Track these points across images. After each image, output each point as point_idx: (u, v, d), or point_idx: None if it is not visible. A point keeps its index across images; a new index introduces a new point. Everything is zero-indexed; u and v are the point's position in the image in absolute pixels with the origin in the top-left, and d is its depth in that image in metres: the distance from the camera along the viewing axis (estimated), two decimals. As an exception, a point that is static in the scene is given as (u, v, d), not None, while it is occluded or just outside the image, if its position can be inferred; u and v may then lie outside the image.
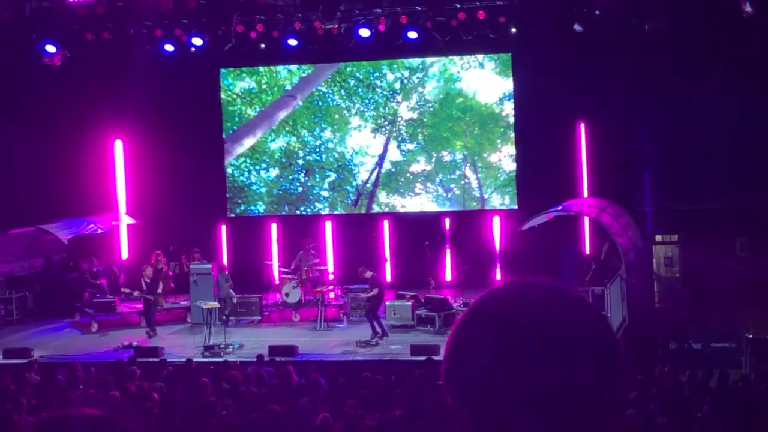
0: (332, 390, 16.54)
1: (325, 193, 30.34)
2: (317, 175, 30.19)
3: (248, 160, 30.53)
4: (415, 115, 29.48)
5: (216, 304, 23.52)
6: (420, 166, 29.57)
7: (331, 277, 27.01)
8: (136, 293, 25.02)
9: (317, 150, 30.06)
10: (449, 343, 2.09)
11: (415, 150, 29.57)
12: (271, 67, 29.98)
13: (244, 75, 30.14)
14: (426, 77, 29.32)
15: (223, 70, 30.08)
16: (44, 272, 28.61)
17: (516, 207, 28.79)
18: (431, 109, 29.40)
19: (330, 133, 29.97)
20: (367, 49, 27.27)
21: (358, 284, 24.90)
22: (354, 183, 30.04)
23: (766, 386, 16.68)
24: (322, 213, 30.19)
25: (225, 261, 28.66)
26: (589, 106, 26.99)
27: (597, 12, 23.51)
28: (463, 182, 29.33)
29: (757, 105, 24.55)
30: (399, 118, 29.55)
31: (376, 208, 29.83)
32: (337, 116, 29.83)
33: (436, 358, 19.31)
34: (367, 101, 29.71)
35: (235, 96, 30.29)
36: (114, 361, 19.77)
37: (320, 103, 29.96)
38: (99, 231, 27.71)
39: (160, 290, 24.65)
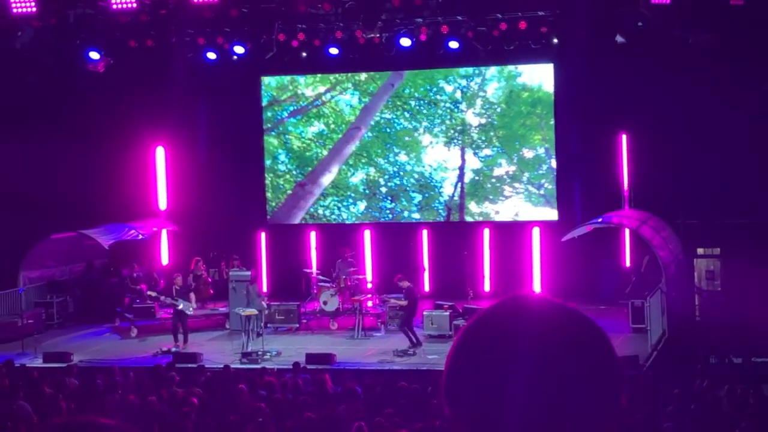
0: (369, 399, 16.53)
1: (416, 215, 30.17)
2: (403, 199, 30.04)
3: (335, 199, 30.48)
4: (483, 120, 29.31)
5: (254, 311, 23.56)
6: (503, 168, 29.32)
7: (369, 285, 27.02)
8: (163, 298, 25.00)
9: (397, 174, 29.98)
10: (449, 356, 2.09)
11: (493, 154, 29.38)
12: (336, 107, 30.01)
13: (312, 119, 30.18)
14: (485, 80, 29.20)
15: (292, 120, 30.19)
16: (85, 277, 28.83)
17: (556, 218, 28.67)
18: (499, 110, 29.19)
19: (405, 156, 29.87)
20: (409, 59, 27.28)
21: (395, 293, 24.91)
22: (441, 199, 29.79)
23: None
24: (359, 222, 30.19)
25: (264, 269, 28.80)
26: (632, 117, 26.87)
27: (639, 23, 23.38)
28: (553, 175, 29.20)
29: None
30: (468, 126, 29.40)
31: (469, 219, 29.63)
32: (407, 138, 29.75)
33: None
34: (432, 117, 29.63)
35: (308, 141, 30.29)
36: (152, 366, 19.86)
37: (388, 130, 29.93)
38: (140, 237, 27.87)
39: (191, 300, 24.46)
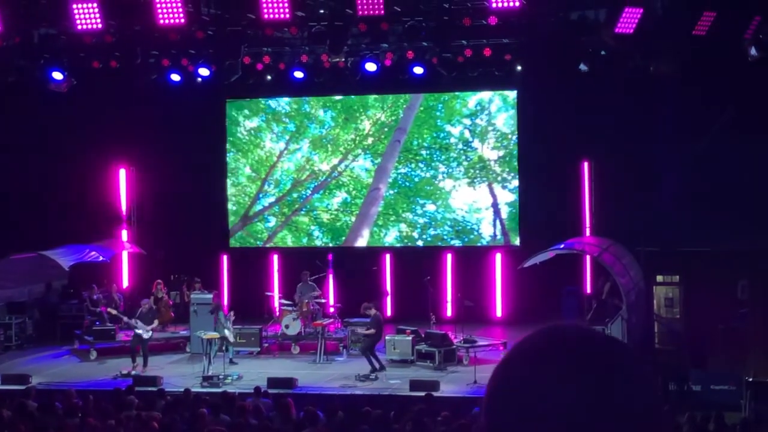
0: (331, 423, 16.48)
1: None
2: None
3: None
4: (501, 152, 29.33)
5: (216, 335, 23.46)
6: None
7: (331, 310, 27.00)
8: (125, 319, 24.78)
9: (430, 225, 29.90)
10: (492, 384, 2.11)
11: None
12: (352, 174, 30.02)
13: (333, 191, 30.15)
14: (491, 114, 29.29)
15: (316, 196, 30.18)
16: (44, 298, 28.62)
17: (518, 243, 28.80)
18: (514, 139, 29.29)
19: (432, 205, 29.78)
20: (373, 84, 27.36)
21: (358, 318, 24.90)
22: (484, 241, 29.66)
23: (765, 430, 16.61)
24: (321, 246, 30.19)
25: (225, 292, 28.72)
26: (594, 145, 27.12)
27: (603, 52, 23.58)
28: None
29: (761, 149, 24.57)
30: (488, 161, 29.36)
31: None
32: (429, 188, 29.68)
33: (435, 393, 19.27)
34: (447, 161, 29.60)
35: (335, 212, 30.24)
36: (112, 389, 19.69)
37: (407, 183, 29.89)
38: (101, 259, 27.70)
39: (151, 326, 24.26)
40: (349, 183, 30.15)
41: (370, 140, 29.97)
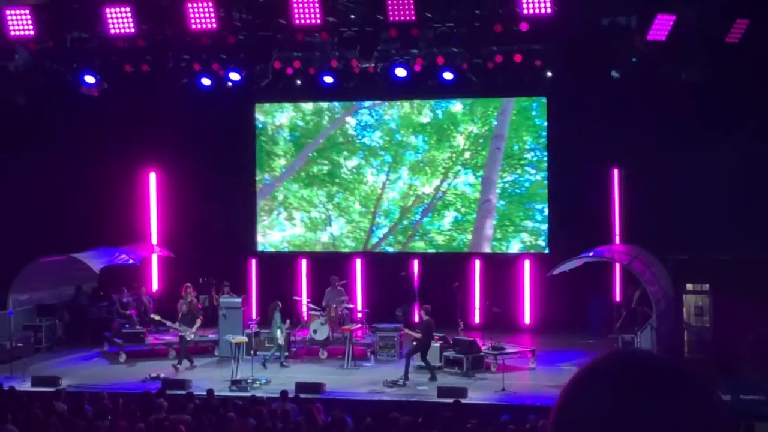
0: (359, 429, 16.49)
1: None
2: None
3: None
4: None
5: (244, 339, 23.56)
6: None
7: (359, 315, 27.01)
8: (168, 324, 25.17)
9: None
10: (561, 402, 2.13)
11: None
12: (456, 191, 29.76)
13: (442, 211, 29.91)
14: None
15: (426, 219, 30.02)
16: (74, 301, 28.76)
17: (547, 251, 28.74)
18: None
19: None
20: (403, 89, 27.35)
21: (386, 323, 24.90)
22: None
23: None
24: (351, 251, 30.23)
25: (254, 296, 28.83)
26: (624, 151, 27.03)
27: (634, 59, 23.49)
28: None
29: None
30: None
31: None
32: (542, 191, 29.37)
33: (463, 400, 19.24)
34: None
35: (449, 231, 29.99)
36: (142, 392, 19.77)
37: (518, 190, 29.60)
38: (131, 262, 27.83)
39: (194, 328, 24.64)
40: (456, 201, 29.85)
41: (467, 155, 29.72)
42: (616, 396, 2.06)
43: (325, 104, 30.45)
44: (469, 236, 29.80)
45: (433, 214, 30.12)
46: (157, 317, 25.69)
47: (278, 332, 24.14)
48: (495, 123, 29.55)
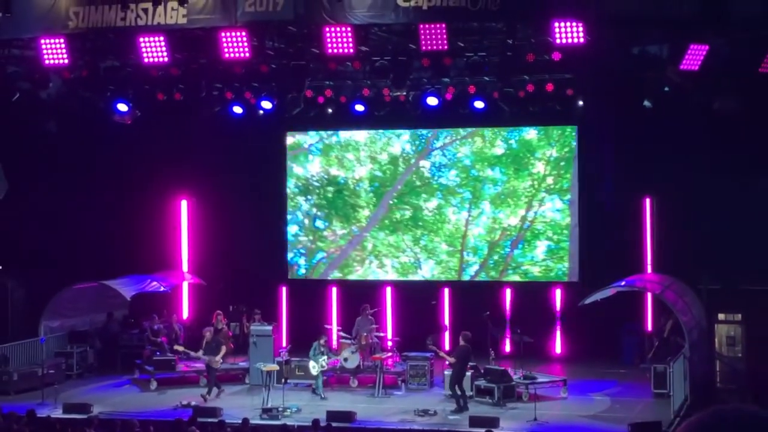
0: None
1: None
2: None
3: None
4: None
5: (275, 367, 23.58)
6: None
7: (389, 344, 26.97)
8: (193, 354, 25.20)
9: None
10: None
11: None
12: (548, 219, 29.41)
13: (532, 242, 29.64)
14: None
15: (517, 251, 29.79)
16: (105, 328, 28.88)
17: (577, 279, 28.63)
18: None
19: None
20: (434, 118, 27.39)
21: (417, 352, 24.85)
22: None
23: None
24: (382, 279, 30.23)
25: (284, 324, 28.86)
26: (656, 181, 26.94)
27: (666, 89, 23.45)
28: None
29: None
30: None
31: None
32: None
33: (495, 430, 19.16)
34: None
35: (542, 262, 29.70)
36: (173, 420, 19.79)
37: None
38: (161, 289, 27.93)
39: (219, 356, 24.59)
40: (547, 229, 29.55)
41: (549, 180, 29.40)
42: None
43: (398, 151, 30.36)
44: (567, 264, 29.34)
45: (523, 245, 29.75)
46: (181, 348, 25.74)
47: (312, 361, 24.13)
48: (575, 144, 29.14)
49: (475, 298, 28.27)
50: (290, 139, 31.06)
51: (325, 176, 30.76)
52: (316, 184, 30.86)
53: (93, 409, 22.15)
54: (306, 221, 31.01)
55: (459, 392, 22.73)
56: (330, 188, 30.80)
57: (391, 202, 30.52)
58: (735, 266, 24.59)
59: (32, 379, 25.12)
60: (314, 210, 30.90)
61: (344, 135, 30.69)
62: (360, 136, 30.64)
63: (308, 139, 31.08)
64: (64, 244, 29.29)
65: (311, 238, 30.99)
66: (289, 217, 30.99)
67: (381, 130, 30.23)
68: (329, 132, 30.69)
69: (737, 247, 25.20)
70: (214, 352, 24.54)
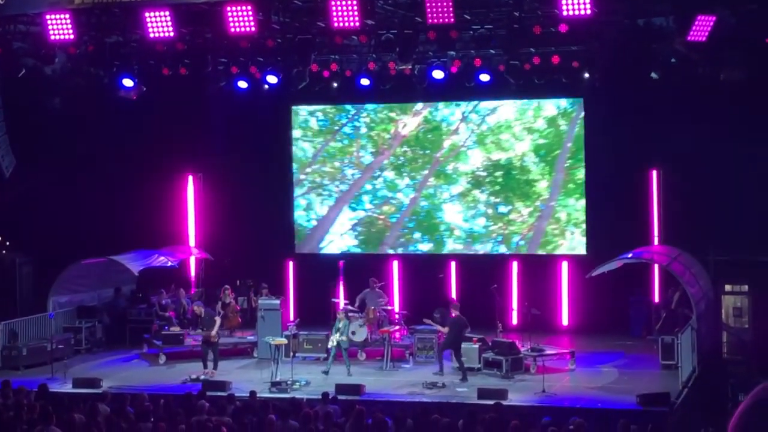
0: (400, 431, 16.49)
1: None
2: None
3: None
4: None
5: (284, 341, 23.63)
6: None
7: (397, 316, 27.01)
8: (191, 332, 25.23)
9: None
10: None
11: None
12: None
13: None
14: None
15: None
16: (114, 303, 28.96)
17: (585, 252, 28.64)
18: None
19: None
20: (440, 91, 27.35)
21: (424, 326, 24.89)
22: None
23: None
24: (389, 252, 30.27)
25: (291, 298, 28.92)
26: (662, 152, 26.90)
27: (673, 60, 23.39)
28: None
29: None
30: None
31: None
32: None
33: (503, 402, 19.21)
34: None
35: None
36: (183, 393, 19.85)
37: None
38: (169, 264, 27.98)
39: (215, 329, 24.36)
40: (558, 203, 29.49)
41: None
42: None
43: (553, 113, 29.49)
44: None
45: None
46: (176, 329, 25.80)
47: (337, 335, 24.04)
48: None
49: (482, 271, 28.32)
50: (447, 143, 30.31)
51: (489, 163, 29.97)
52: (483, 174, 29.99)
53: (102, 383, 22.21)
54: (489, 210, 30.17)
55: (458, 363, 22.93)
56: (498, 173, 29.98)
57: (566, 164, 29.50)
58: (742, 237, 24.62)
59: (41, 354, 25.21)
60: (492, 198, 29.95)
61: (492, 120, 30.01)
62: (508, 113, 29.85)
63: (460, 137, 30.24)
64: (72, 219, 29.34)
65: (501, 224, 29.96)
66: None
67: (388, 104, 30.16)
68: (478, 119, 30.11)
69: (744, 218, 25.21)
70: (208, 326, 24.30)
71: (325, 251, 30.91)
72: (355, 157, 30.65)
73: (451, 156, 30.05)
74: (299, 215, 31.06)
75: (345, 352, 23.81)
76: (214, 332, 24.07)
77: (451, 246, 30.01)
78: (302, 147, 30.97)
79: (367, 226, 30.71)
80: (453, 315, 23.62)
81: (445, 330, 23.44)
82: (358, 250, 30.71)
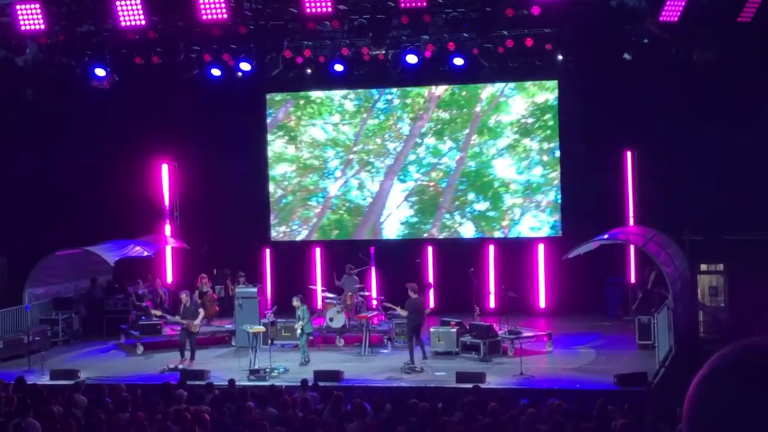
0: (379, 416, 16.49)
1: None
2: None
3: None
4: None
5: (262, 328, 23.59)
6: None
7: (374, 303, 27.01)
8: (170, 318, 25.09)
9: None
10: (692, 404, 2.06)
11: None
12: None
13: None
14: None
15: None
16: (90, 294, 28.83)
17: (560, 234, 28.71)
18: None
19: None
20: (413, 76, 27.32)
21: (390, 310, 24.93)
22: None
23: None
24: (366, 239, 30.23)
25: (268, 285, 28.87)
26: (636, 134, 26.98)
27: (645, 41, 23.43)
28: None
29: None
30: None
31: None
32: None
33: (482, 385, 19.26)
34: None
35: None
36: (161, 383, 19.81)
37: None
38: (145, 254, 27.86)
39: (198, 320, 24.35)
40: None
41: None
42: (753, 386, 1.98)
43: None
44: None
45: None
46: (158, 312, 25.70)
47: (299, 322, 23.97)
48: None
49: (459, 255, 28.36)
50: (484, 94, 29.83)
51: (535, 107, 29.52)
52: (530, 120, 29.56)
53: (80, 374, 22.13)
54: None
55: (416, 343, 22.86)
56: (547, 116, 29.44)
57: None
58: (716, 217, 24.72)
59: (18, 347, 25.07)
60: (545, 144, 29.49)
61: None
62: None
63: (496, 86, 29.81)
64: (46, 210, 29.19)
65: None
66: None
67: (362, 90, 30.13)
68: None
69: (718, 197, 25.29)
70: (192, 316, 24.27)
71: (384, 225, 30.69)
72: (394, 130, 30.50)
73: (490, 108, 29.90)
74: (354, 195, 30.90)
75: (303, 338, 23.64)
76: (196, 322, 24.06)
77: (510, 201, 29.91)
78: (343, 131, 30.81)
79: (419, 195, 30.54)
80: (412, 297, 23.51)
81: (404, 312, 23.35)
82: (414, 220, 30.57)
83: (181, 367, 23.06)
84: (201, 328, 24.92)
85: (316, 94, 30.56)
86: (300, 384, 19.20)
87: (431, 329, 24.07)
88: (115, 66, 25.78)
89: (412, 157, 30.39)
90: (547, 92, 29.13)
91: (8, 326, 26.32)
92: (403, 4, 21.43)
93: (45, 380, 22.03)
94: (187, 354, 23.83)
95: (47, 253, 27.10)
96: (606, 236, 24.62)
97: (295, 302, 23.89)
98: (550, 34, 24.20)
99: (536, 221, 29.38)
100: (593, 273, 26.93)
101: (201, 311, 24.53)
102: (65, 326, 27.44)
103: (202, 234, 30.06)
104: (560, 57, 25.05)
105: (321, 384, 19.75)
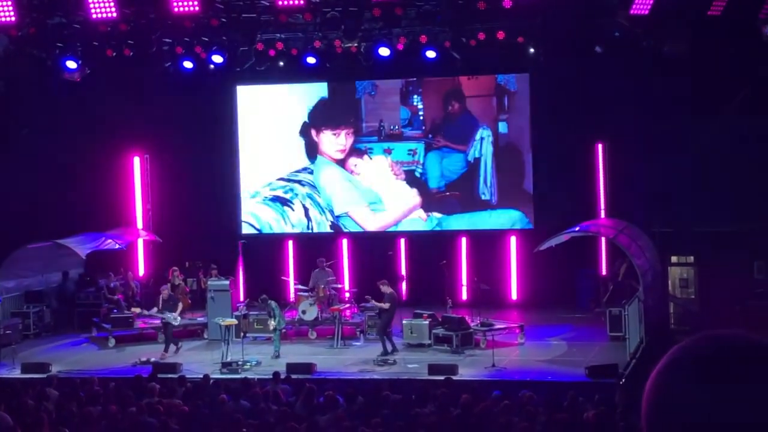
0: (351, 408, 16.54)
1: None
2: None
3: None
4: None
5: (234, 321, 23.59)
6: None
7: (347, 295, 27.04)
8: (149, 312, 25.10)
9: None
10: (651, 396, 2.06)
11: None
12: None
13: None
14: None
15: None
16: (61, 287, 28.71)
17: (532, 227, 28.80)
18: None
19: None
20: (385, 68, 27.32)
21: (374, 303, 24.93)
22: None
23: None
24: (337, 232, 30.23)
25: (241, 278, 28.85)
26: (607, 127, 27.10)
27: (616, 34, 23.52)
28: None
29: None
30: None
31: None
32: None
33: (454, 377, 19.34)
34: None
35: None
36: (133, 376, 19.79)
37: None
38: (117, 246, 27.76)
39: (177, 311, 24.45)
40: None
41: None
42: (711, 380, 1.98)
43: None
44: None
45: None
46: (137, 309, 25.67)
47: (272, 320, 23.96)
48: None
49: (431, 248, 28.43)
50: None
51: None
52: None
53: (52, 368, 22.08)
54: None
55: (386, 337, 22.98)
56: None
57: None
58: (687, 209, 24.86)
59: (-11, 340, 24.98)
60: None
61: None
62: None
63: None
64: (16, 203, 29.04)
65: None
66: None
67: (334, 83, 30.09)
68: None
69: (688, 189, 25.43)
70: (171, 309, 24.39)
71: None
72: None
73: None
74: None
75: (277, 333, 23.66)
76: (176, 315, 24.17)
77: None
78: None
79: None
80: (388, 291, 23.57)
81: (387, 305, 23.39)
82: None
83: (153, 360, 23.02)
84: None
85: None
86: (272, 376, 19.21)
87: (404, 321, 24.12)
88: (86, 58, 25.68)
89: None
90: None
91: (-21, 320, 26.17)
92: (375, -3, 21.47)
93: (16, 374, 22.01)
94: (166, 346, 23.90)
95: (18, 246, 26.95)
96: (577, 228, 24.73)
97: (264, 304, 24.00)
98: (522, 27, 24.25)
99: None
100: (565, 265, 27.02)
101: (180, 305, 24.70)
102: (36, 319, 27.34)
103: (173, 227, 29.98)
104: (532, 50, 25.11)
105: (293, 376, 19.78)
